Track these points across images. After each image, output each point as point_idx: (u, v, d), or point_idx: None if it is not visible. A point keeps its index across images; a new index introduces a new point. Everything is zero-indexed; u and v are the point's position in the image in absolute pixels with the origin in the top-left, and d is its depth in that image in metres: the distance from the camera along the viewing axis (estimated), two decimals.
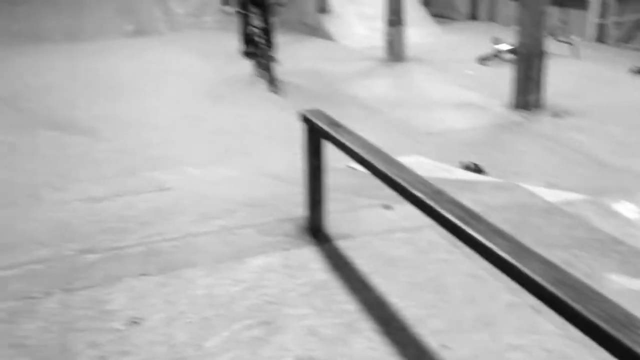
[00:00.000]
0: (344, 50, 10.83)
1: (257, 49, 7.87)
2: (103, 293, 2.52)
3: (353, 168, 4.95)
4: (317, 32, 11.77)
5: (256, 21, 7.77)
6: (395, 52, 9.84)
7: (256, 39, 7.82)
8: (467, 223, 1.70)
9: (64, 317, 2.36)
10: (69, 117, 7.05)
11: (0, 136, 6.28)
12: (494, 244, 1.60)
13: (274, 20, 7.88)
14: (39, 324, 2.32)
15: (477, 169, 5.45)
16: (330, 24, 11.73)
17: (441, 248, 2.90)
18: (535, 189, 4.13)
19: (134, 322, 2.33)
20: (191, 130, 6.64)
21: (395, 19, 9.68)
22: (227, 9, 7.73)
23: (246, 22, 7.83)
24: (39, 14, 12.08)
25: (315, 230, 3.05)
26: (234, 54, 9.11)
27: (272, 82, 7.57)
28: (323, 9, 11.85)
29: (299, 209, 3.22)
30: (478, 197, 3.34)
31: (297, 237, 3.04)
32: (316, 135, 2.86)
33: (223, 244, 3.00)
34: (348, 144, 2.52)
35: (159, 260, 2.82)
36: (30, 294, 2.52)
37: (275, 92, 7.42)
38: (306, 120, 2.91)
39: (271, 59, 7.73)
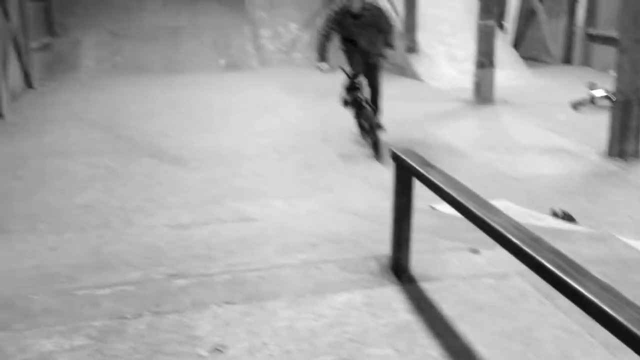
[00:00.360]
0: (431, 91, 10.79)
1: (362, 111, 7.26)
2: (190, 318, 2.58)
3: (435, 209, 4.87)
4: (405, 71, 11.79)
5: (363, 81, 7.24)
6: (483, 94, 9.70)
7: (359, 96, 7.21)
8: (567, 273, 1.62)
9: (152, 339, 2.43)
10: (162, 145, 7.37)
11: (101, 161, 6.66)
12: (597, 297, 1.51)
13: (381, 81, 7.35)
14: (129, 344, 2.39)
15: (568, 217, 5.22)
16: (418, 64, 11.74)
17: (531, 297, 2.78)
18: (632, 242, 3.90)
19: (218, 349, 2.36)
20: (276, 164, 6.76)
21: (485, 60, 9.57)
22: (324, 66, 7.05)
23: (353, 82, 7.23)
24: (140, 47, 12.83)
25: (399, 269, 3.00)
26: (322, 92, 9.26)
27: (375, 148, 6.96)
28: (412, 48, 11.89)
29: (381, 247, 3.19)
30: (573, 247, 3.19)
31: (380, 275, 3.01)
32: (406, 174, 2.84)
33: (305, 278, 3.01)
34: (440, 184, 2.47)
35: (243, 289, 2.86)
36: (121, 314, 2.61)
37: (377, 159, 6.78)
38: (396, 158, 2.90)
39: (377, 126, 7.10)
